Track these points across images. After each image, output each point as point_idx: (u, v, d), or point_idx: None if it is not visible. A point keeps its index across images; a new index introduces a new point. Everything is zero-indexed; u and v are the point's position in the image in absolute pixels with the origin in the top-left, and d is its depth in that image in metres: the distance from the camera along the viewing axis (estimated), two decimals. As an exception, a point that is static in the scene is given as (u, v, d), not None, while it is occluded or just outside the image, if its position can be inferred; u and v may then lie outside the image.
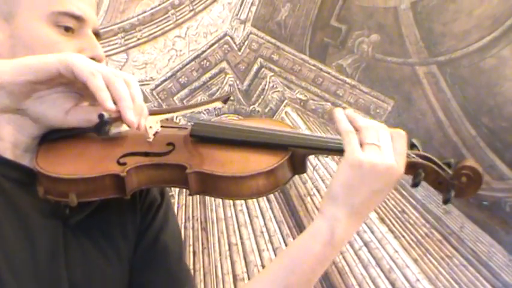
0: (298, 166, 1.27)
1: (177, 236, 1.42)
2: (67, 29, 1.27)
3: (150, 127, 1.28)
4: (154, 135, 1.27)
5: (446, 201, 1.26)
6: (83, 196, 1.21)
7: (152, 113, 1.24)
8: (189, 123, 1.32)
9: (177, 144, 1.26)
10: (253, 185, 1.22)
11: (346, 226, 1.21)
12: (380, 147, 1.19)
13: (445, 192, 1.25)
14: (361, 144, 1.20)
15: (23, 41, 1.25)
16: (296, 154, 1.26)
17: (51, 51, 1.24)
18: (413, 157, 1.26)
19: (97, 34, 1.32)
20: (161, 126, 1.28)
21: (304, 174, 2.41)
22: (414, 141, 1.28)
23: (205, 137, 1.30)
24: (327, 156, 2.29)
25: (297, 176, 2.46)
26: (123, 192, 1.22)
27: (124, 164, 1.22)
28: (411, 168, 1.25)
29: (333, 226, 1.20)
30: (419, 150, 1.28)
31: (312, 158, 2.32)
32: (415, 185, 1.25)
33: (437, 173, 1.25)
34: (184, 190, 2.49)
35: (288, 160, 1.25)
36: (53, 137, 1.28)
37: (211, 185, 1.22)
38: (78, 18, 1.27)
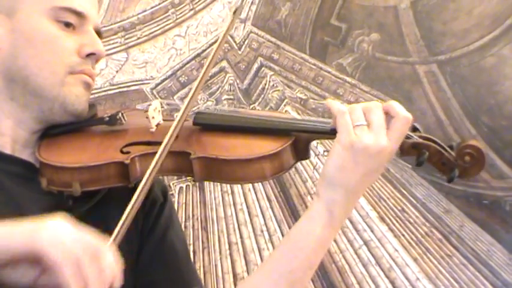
0: (301, 151, 1.28)
1: (182, 236, 1.43)
2: (67, 25, 1.28)
3: (153, 117, 1.29)
4: (156, 126, 1.28)
5: (450, 180, 1.27)
6: (86, 185, 1.22)
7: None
8: (191, 114, 1.33)
9: (180, 133, 1.26)
10: (259, 168, 1.23)
11: (343, 206, 1.23)
12: (370, 127, 1.20)
13: (449, 172, 1.26)
14: (353, 126, 1.21)
15: (24, 36, 1.27)
16: (299, 139, 1.27)
17: (51, 46, 1.26)
18: (416, 138, 1.27)
19: (98, 33, 1.33)
20: (163, 120, 1.29)
21: (305, 173, 2.41)
22: (416, 125, 1.30)
23: (208, 125, 1.31)
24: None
25: (297, 175, 2.47)
26: (127, 181, 1.22)
27: (128, 152, 1.23)
28: (414, 148, 1.26)
29: (331, 208, 1.22)
30: (421, 133, 1.30)
31: (312, 158, 2.32)
32: (419, 164, 1.27)
33: (441, 153, 1.26)
34: (184, 189, 2.50)
35: (292, 145, 1.26)
36: (54, 132, 1.29)
37: (216, 170, 1.23)
38: (79, 15, 1.29)
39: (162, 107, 1.36)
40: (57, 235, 0.95)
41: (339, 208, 1.23)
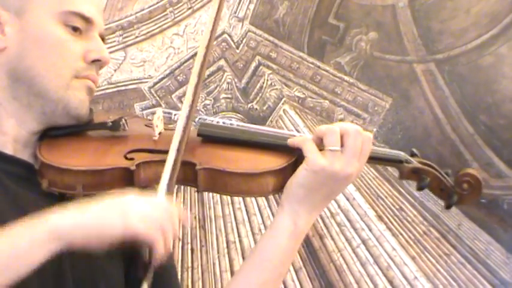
0: None
1: (172, 256, 1.45)
2: (75, 29, 1.30)
3: (157, 126, 1.29)
4: (158, 134, 1.28)
5: (448, 207, 1.32)
6: (89, 188, 1.21)
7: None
8: (194, 124, 1.33)
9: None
10: (263, 183, 1.25)
11: (306, 219, 1.28)
12: (344, 152, 1.24)
13: (447, 198, 1.30)
14: (324, 149, 1.25)
15: (32, 37, 1.28)
16: (301, 158, 1.27)
17: (59, 49, 1.27)
18: (416, 163, 1.30)
19: (102, 39, 1.34)
20: (165, 129, 1.30)
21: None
22: (414, 150, 1.32)
23: (212, 137, 1.31)
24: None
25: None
26: (130, 187, 1.22)
27: (132, 159, 1.23)
28: (414, 173, 1.30)
29: (295, 220, 1.27)
30: (419, 158, 1.33)
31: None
32: (420, 188, 1.31)
33: (440, 179, 1.30)
34: (181, 188, 2.50)
35: (294, 162, 1.27)
36: (54, 134, 1.29)
37: (221, 182, 1.23)
38: (87, 20, 1.30)
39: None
40: (142, 214, 1.08)
41: (302, 220, 1.28)
